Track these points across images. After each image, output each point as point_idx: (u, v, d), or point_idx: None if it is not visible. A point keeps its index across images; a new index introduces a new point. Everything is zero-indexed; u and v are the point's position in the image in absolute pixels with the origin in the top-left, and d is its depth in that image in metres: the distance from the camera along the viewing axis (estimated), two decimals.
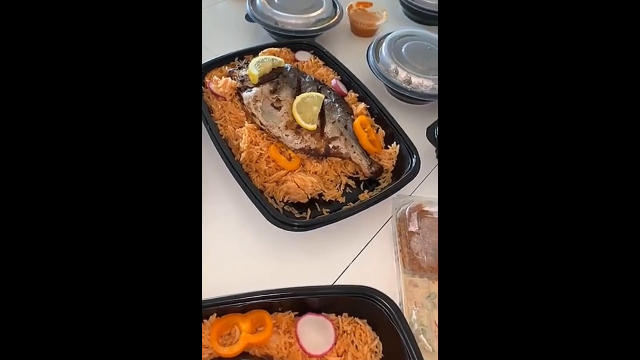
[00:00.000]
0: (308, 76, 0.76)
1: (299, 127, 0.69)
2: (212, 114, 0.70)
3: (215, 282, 0.52)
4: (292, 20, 0.88)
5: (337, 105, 0.72)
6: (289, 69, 0.75)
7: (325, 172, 0.68)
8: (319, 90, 0.73)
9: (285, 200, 0.64)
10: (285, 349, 0.49)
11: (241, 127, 0.69)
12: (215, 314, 0.49)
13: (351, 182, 0.69)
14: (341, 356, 0.50)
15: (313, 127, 0.68)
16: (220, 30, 0.95)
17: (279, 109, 0.69)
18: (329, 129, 0.69)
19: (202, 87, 0.73)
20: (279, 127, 0.68)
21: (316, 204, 0.65)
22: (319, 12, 0.90)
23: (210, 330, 0.47)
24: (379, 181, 0.69)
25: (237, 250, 0.60)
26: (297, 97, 0.70)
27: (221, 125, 0.69)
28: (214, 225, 0.62)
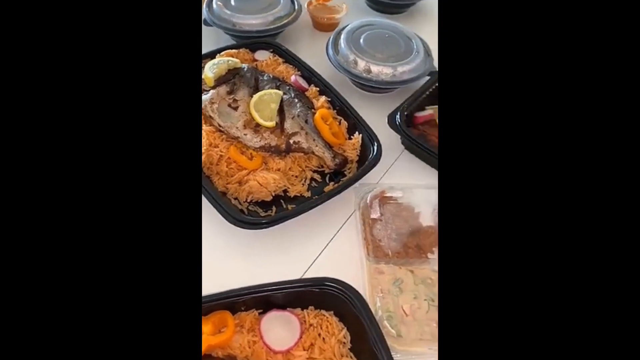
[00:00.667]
0: (266, 74, 0.76)
1: (257, 125, 0.68)
2: None
3: None
4: (250, 21, 0.88)
5: (296, 100, 0.72)
6: (245, 69, 0.74)
7: (290, 168, 0.68)
8: (277, 87, 0.73)
9: (249, 200, 0.64)
10: (249, 347, 0.48)
11: None
12: None
13: (317, 176, 0.69)
14: (307, 350, 0.49)
15: (272, 124, 0.68)
16: None
17: (236, 109, 0.69)
18: (288, 125, 0.69)
19: None
20: (237, 127, 0.68)
21: (281, 200, 0.65)
22: (276, 10, 0.90)
23: None
24: (345, 172, 0.69)
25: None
26: (254, 95, 0.70)
27: None
28: None
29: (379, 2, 1.05)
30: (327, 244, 0.62)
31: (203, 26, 0.95)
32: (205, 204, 0.60)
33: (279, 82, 0.75)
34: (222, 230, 0.61)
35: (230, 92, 0.71)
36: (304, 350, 0.49)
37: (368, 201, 0.61)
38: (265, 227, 0.58)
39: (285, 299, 0.52)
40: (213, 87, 0.71)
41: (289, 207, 0.64)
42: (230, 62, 0.73)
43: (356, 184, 0.64)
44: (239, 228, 0.58)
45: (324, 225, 0.64)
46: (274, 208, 0.64)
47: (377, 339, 0.47)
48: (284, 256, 0.61)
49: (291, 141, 0.68)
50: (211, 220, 0.62)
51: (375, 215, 0.59)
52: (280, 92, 0.72)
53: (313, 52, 0.87)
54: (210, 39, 0.95)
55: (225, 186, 0.64)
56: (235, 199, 0.64)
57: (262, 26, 0.88)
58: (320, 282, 0.51)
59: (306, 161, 0.70)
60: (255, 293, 0.50)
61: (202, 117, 0.70)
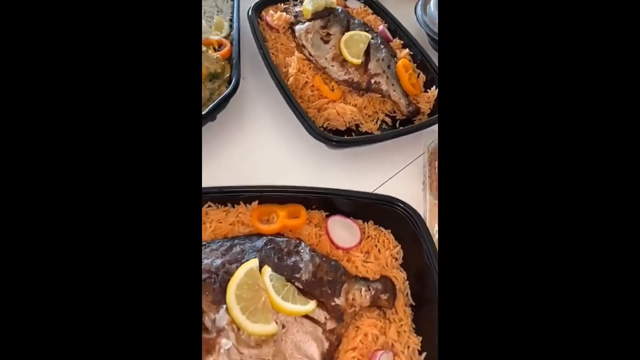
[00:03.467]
0: (357, 19, 0.80)
1: (344, 60, 0.73)
2: (265, 43, 0.75)
3: (257, 179, 0.59)
4: None
5: (382, 46, 0.76)
6: (340, 10, 0.79)
7: (365, 107, 0.72)
8: (366, 32, 0.77)
9: (324, 126, 0.69)
10: (316, 238, 0.54)
11: (290, 56, 0.74)
12: (257, 201, 0.54)
13: (388, 120, 0.73)
14: (364, 254, 0.54)
15: (358, 61, 0.72)
16: None
17: (327, 42, 0.74)
18: (372, 66, 0.73)
19: (257, 20, 0.78)
20: (325, 58, 0.73)
21: (353, 133, 0.70)
22: None
23: (252, 212, 0.53)
24: (414, 122, 0.73)
25: (278, 159, 0.66)
26: (345, 33, 0.74)
27: (273, 53, 0.74)
28: (258, 137, 0.68)
29: None
30: (390, 178, 0.67)
31: None
32: (289, 118, 0.66)
33: (368, 28, 0.79)
34: (296, 145, 0.68)
35: (324, 27, 0.76)
36: (362, 253, 0.54)
37: (438, 146, 0.65)
38: (341, 146, 0.63)
39: (350, 208, 0.57)
40: (309, 20, 0.76)
41: None
42: (328, 0, 0.78)
43: (428, 129, 0.68)
44: (313, 146, 0.64)
45: (389, 160, 0.68)
46: (345, 137, 0.69)
47: (432, 255, 0.51)
48: (350, 180, 0.66)
49: (372, 81, 0.72)
50: (287, 133, 0.68)
51: None
52: (369, 36, 0.76)
53: (395, 12, 0.90)
54: None
55: (306, 110, 0.70)
56: (313, 122, 0.69)
57: None
58: (386, 199, 0.56)
59: (381, 104, 0.74)
60: (326, 194, 0.56)
61: (295, 45, 0.76)
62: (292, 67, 0.71)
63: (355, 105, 0.72)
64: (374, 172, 0.67)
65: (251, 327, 0.40)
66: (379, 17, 0.86)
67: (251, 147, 0.67)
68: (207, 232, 0.51)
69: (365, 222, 0.57)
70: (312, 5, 0.76)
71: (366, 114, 0.72)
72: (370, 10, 0.87)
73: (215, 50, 0.75)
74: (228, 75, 0.72)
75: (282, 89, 0.67)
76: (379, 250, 0.55)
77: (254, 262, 0.44)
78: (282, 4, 0.82)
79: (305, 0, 0.77)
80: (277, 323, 0.42)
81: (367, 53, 0.75)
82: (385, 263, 0.55)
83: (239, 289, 0.41)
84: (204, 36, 0.78)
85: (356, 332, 0.47)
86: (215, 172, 0.61)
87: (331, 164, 0.67)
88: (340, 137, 0.65)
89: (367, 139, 0.65)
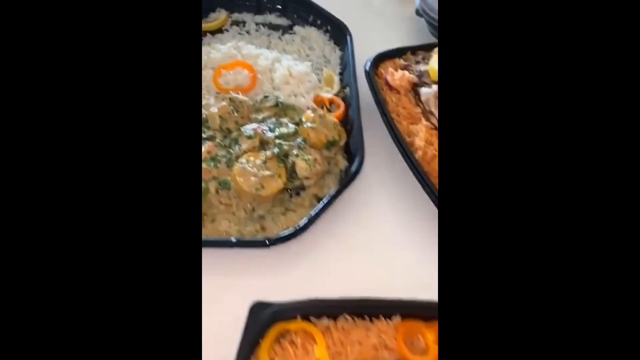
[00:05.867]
0: None
1: None
2: (386, 106, 0.67)
3: (389, 286, 0.50)
4: None
5: None
6: None
7: None
8: None
9: None
10: None
11: (414, 123, 0.65)
12: (399, 316, 0.45)
13: None
14: None
15: None
16: (381, 24, 0.92)
17: None
18: None
19: (376, 78, 0.70)
20: None
21: None
22: None
23: (397, 333, 0.44)
24: None
25: (412, 264, 0.56)
26: None
27: (395, 120, 0.66)
28: (383, 228, 0.59)
29: None
30: None
31: (402, 16, 0.93)
32: (420, 202, 0.58)
33: None
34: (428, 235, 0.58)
35: None
36: None
37: None
38: None
39: None
40: (436, 82, 0.67)
41: None
42: None
43: None
44: None
45: None
46: None
47: None
48: None
49: None
50: (416, 218, 0.59)
51: None
52: None
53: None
54: (412, 32, 0.90)
55: None
56: None
57: None
58: None
59: None
60: None
61: (420, 110, 0.67)
62: (419, 137, 0.63)
63: None
64: None
65: None
66: None
67: (377, 247, 0.57)
68: (349, 358, 0.42)
69: None
70: None
71: None
72: None
73: (329, 110, 0.68)
74: (344, 141, 0.64)
75: (413, 166, 0.58)
76: None
77: None
78: (399, 59, 0.74)
79: (432, 60, 0.69)
80: None
81: None
82: None
83: None
84: (314, 92, 0.72)
85: None
86: (329, 281, 0.52)
87: None
88: None
89: None
